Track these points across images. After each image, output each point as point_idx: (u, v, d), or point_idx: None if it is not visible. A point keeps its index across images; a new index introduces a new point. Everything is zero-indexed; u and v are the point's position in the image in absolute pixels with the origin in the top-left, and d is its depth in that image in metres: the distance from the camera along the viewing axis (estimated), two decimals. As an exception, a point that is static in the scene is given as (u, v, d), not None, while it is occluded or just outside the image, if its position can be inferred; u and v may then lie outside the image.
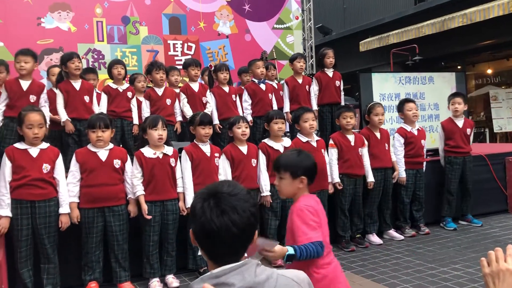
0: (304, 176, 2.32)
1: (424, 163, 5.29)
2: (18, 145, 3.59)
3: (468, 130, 5.39)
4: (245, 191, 1.36)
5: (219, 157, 4.21)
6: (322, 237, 2.23)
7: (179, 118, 5.46)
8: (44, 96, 4.88)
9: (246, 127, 4.30)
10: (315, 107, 5.75)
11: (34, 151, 3.57)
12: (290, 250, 2.12)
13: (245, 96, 5.73)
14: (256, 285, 1.24)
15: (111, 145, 3.86)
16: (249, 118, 5.63)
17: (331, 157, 4.74)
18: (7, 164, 3.50)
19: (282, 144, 4.42)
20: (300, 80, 5.78)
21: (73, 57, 4.95)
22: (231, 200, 1.29)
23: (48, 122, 4.82)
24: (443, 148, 5.39)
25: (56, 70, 5.56)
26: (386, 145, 5.02)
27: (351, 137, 4.78)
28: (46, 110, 4.80)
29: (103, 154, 3.78)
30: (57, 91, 4.99)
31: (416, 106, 5.25)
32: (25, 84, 4.70)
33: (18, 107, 4.34)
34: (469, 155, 5.36)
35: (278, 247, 2.05)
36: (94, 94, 5.17)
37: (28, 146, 3.57)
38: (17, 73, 4.79)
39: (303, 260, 2.15)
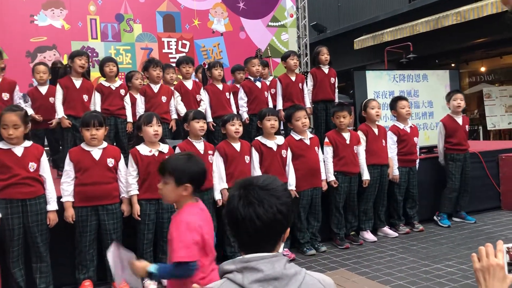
0: (189, 183, 2.19)
1: (417, 160, 5.31)
2: (1, 145, 3.52)
3: (467, 127, 5.45)
4: (281, 188, 1.38)
5: (213, 155, 4.21)
6: (198, 255, 2.11)
7: (174, 116, 5.45)
8: (17, 93, 4.85)
9: (240, 125, 4.30)
10: (308, 104, 5.76)
11: (18, 150, 3.52)
12: (152, 268, 2.07)
13: (241, 93, 5.72)
14: (283, 277, 1.27)
15: (104, 144, 3.85)
16: (245, 116, 5.63)
17: (326, 155, 4.75)
18: None
19: (275, 142, 4.42)
20: (293, 78, 5.78)
21: (83, 54, 5.01)
22: (261, 194, 1.33)
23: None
24: (444, 146, 5.40)
25: (41, 68, 5.59)
26: (384, 141, 5.03)
27: (346, 135, 4.79)
28: (21, 106, 4.76)
29: (96, 153, 3.77)
30: (57, 87, 4.99)
31: (409, 104, 5.26)
32: None
33: None
34: (467, 151, 5.40)
35: (140, 263, 2.02)
36: (93, 94, 5.18)
37: (11, 145, 3.52)
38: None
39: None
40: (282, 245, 1.41)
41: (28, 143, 3.60)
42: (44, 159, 3.65)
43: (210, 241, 2.21)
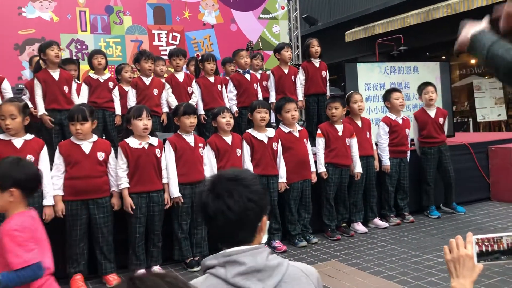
0: (15, 188, 2.07)
1: (408, 152, 5.34)
2: (2, 136, 3.52)
3: (441, 120, 5.41)
4: (250, 177, 1.37)
5: (203, 148, 4.19)
6: (40, 257, 2.06)
7: (165, 109, 5.41)
8: (8, 87, 4.77)
9: (230, 117, 4.28)
10: (300, 97, 5.75)
11: (18, 142, 3.51)
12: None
13: (230, 86, 5.69)
14: (266, 268, 1.27)
15: (95, 137, 3.82)
16: (235, 108, 5.61)
17: (318, 146, 4.76)
18: None
19: (266, 134, 4.41)
20: (286, 70, 5.77)
21: (52, 44, 4.82)
22: (229, 185, 1.32)
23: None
24: (418, 139, 5.44)
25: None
26: (368, 133, 5.06)
27: (339, 127, 4.80)
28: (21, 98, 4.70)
29: (86, 146, 3.74)
30: (35, 81, 4.86)
31: (403, 95, 5.29)
32: None
33: None
34: (443, 143, 5.40)
35: None
36: (74, 85, 5.08)
37: (11, 137, 3.51)
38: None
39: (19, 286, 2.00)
40: (265, 237, 1.41)
41: (29, 136, 3.59)
42: (44, 153, 3.63)
43: (45, 248, 2.15)
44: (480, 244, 1.39)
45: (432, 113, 5.38)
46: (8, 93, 4.82)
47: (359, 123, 5.02)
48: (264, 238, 1.40)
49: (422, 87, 5.42)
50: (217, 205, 1.31)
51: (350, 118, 5.03)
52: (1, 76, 4.91)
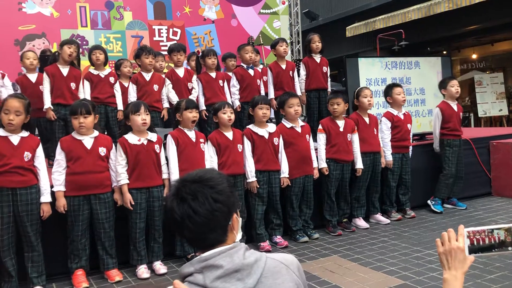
0: None
1: (410, 147, 5.33)
2: None
3: (461, 114, 5.49)
4: (216, 176, 1.33)
5: (204, 143, 4.19)
6: None
7: (166, 104, 5.41)
8: (8, 83, 4.81)
9: (231, 113, 4.27)
10: (299, 92, 5.74)
11: (15, 139, 3.50)
12: None
13: (233, 81, 5.69)
14: (244, 267, 1.24)
15: (96, 133, 3.82)
16: (237, 103, 5.61)
17: (319, 142, 4.75)
18: None
19: (267, 130, 4.41)
20: (283, 66, 5.74)
21: (73, 43, 4.96)
22: (193, 187, 1.29)
23: None
24: (440, 132, 5.40)
25: (30, 54, 5.50)
26: (375, 129, 5.05)
27: (340, 123, 4.79)
28: (3, 94, 4.70)
29: (88, 141, 3.74)
30: (44, 75, 4.93)
31: (404, 90, 5.28)
32: None
33: None
34: (461, 138, 5.45)
35: None
36: (81, 82, 5.12)
37: (8, 133, 3.50)
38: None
39: None
40: (239, 235, 1.38)
41: (25, 133, 3.59)
42: (40, 150, 3.63)
43: None
44: (472, 237, 1.43)
45: (455, 106, 5.41)
46: (9, 90, 4.83)
47: (366, 119, 5.01)
48: (239, 236, 1.37)
49: (448, 80, 5.44)
50: (182, 209, 1.27)
51: (358, 114, 5.01)
52: (2, 73, 4.92)
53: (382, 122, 5.18)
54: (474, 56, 13.39)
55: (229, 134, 4.29)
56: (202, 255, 1.27)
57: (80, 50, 8.32)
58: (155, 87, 5.31)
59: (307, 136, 4.62)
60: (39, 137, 3.97)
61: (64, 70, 4.96)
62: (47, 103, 4.86)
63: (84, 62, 7.45)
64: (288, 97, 4.55)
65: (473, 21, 10.97)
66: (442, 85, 5.48)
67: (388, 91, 5.26)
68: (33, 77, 5.46)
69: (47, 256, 3.67)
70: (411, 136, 5.36)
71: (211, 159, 4.19)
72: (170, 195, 1.32)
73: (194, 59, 6.36)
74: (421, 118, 6.21)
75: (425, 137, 6.12)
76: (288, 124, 4.56)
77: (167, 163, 4.03)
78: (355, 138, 4.86)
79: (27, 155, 3.50)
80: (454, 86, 5.36)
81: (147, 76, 5.32)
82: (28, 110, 3.57)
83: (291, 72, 5.76)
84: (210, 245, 1.29)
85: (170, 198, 1.31)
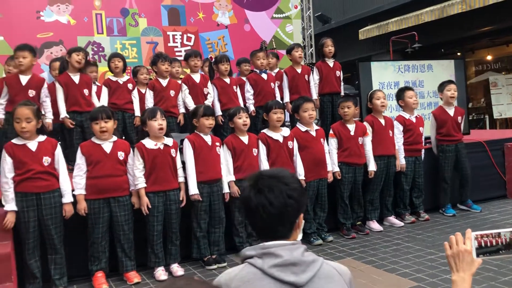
0: None
1: (423, 150, 5.35)
2: (16, 141, 3.62)
3: (459, 118, 5.42)
4: (289, 175, 1.45)
5: (220, 147, 4.27)
6: None
7: (182, 110, 5.51)
8: (44, 91, 4.90)
9: (247, 117, 4.35)
10: (314, 96, 5.80)
11: (32, 145, 3.61)
12: None
13: (247, 86, 5.78)
14: (301, 263, 1.34)
15: (114, 138, 3.93)
16: (252, 108, 5.70)
17: (330, 146, 4.80)
18: (7, 160, 3.55)
19: (281, 134, 4.47)
20: (299, 70, 5.82)
21: (80, 51, 5.02)
22: (270, 182, 1.40)
23: (50, 117, 4.88)
24: (436, 137, 5.44)
25: (57, 64, 5.59)
26: (391, 132, 5.07)
27: (351, 127, 4.83)
28: (47, 104, 4.84)
29: (107, 146, 3.85)
30: (56, 85, 5.01)
31: (416, 94, 5.30)
32: (24, 79, 4.74)
33: (17, 102, 4.40)
34: (461, 141, 5.41)
35: None
36: (94, 87, 5.21)
37: (26, 140, 3.61)
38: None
39: None
40: (300, 235, 1.48)
41: (42, 138, 3.69)
42: (59, 152, 3.73)
43: None
44: (480, 239, 1.47)
45: (451, 111, 5.39)
46: (45, 96, 4.94)
47: (382, 121, 5.04)
48: (300, 236, 1.47)
49: (445, 84, 5.42)
50: (259, 199, 1.38)
51: (373, 116, 5.05)
52: (43, 78, 5.06)
53: (394, 125, 5.21)
54: (489, 57, 13.28)
55: (245, 139, 4.36)
56: (265, 243, 1.37)
57: (97, 56, 8.59)
58: (172, 92, 5.43)
59: (321, 140, 4.68)
60: (58, 141, 4.05)
61: (76, 78, 5.02)
62: (63, 112, 4.93)
63: (101, 68, 7.62)
64: (302, 101, 4.61)
65: (487, 23, 10.90)
66: (440, 89, 5.48)
67: (400, 95, 5.29)
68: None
69: (69, 258, 3.78)
70: (423, 139, 5.37)
71: (226, 163, 4.27)
72: (248, 185, 1.43)
73: (207, 65, 6.46)
74: (435, 121, 6.21)
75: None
76: (303, 128, 4.62)
77: (183, 167, 4.12)
78: (367, 141, 4.90)
79: (46, 159, 3.61)
80: (451, 90, 5.34)
81: (164, 82, 5.43)
82: (39, 115, 3.67)
83: (306, 76, 5.84)
84: (276, 237, 1.39)
85: (248, 188, 1.43)
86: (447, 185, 5.37)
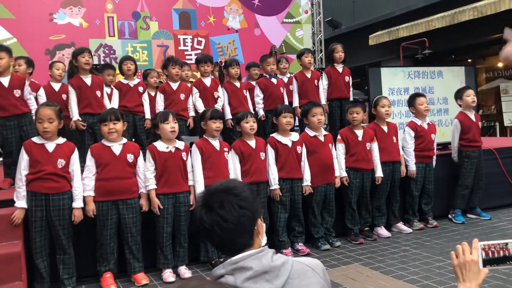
0: None
1: (434, 156, 5.33)
2: (36, 140, 3.68)
3: (480, 124, 5.46)
4: (239, 185, 1.43)
5: (228, 152, 4.29)
6: None
7: (192, 113, 5.55)
8: (27, 88, 4.84)
9: (254, 122, 4.37)
10: (323, 101, 5.81)
11: (50, 146, 3.66)
12: None
13: (257, 90, 5.81)
14: (272, 269, 1.33)
15: (124, 140, 3.96)
16: (261, 112, 5.73)
17: (338, 151, 4.80)
18: (24, 157, 3.61)
19: (290, 139, 4.49)
20: (309, 75, 5.84)
21: (84, 51, 4.97)
22: (219, 196, 1.39)
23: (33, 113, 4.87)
24: (459, 143, 5.39)
25: (61, 65, 5.62)
26: (394, 138, 5.06)
27: (359, 132, 4.84)
28: (31, 102, 4.80)
29: (117, 148, 3.88)
30: (69, 88, 5.04)
31: (427, 100, 5.28)
32: (5, 81, 4.63)
33: (5, 105, 4.47)
34: (481, 148, 5.41)
35: None
36: (105, 89, 5.25)
37: (45, 141, 3.67)
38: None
39: None
40: (264, 240, 1.48)
41: (61, 140, 3.74)
42: (75, 156, 3.77)
43: None
44: (487, 250, 1.48)
45: (472, 116, 5.39)
46: (44, 100, 5.02)
47: (385, 128, 5.04)
48: (264, 240, 1.46)
49: (464, 90, 5.41)
50: (210, 218, 1.37)
51: (376, 124, 5.05)
52: (38, 84, 5.11)
53: (405, 131, 5.20)
54: (499, 64, 13.19)
55: (252, 143, 4.38)
56: (233, 258, 1.36)
57: (108, 59, 8.67)
58: (182, 96, 5.46)
59: (330, 145, 4.69)
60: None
61: (88, 80, 5.01)
62: (75, 115, 4.93)
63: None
64: (311, 106, 4.63)
65: (499, 29, 10.73)
66: (458, 96, 5.45)
67: (411, 101, 5.28)
68: (57, 86, 5.51)
69: (78, 259, 3.81)
70: (435, 146, 5.35)
71: (234, 167, 4.29)
72: (198, 206, 1.43)
73: (217, 69, 6.51)
74: (444, 128, 6.20)
75: (448, 146, 6.10)
76: (311, 133, 4.63)
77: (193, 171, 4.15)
78: (374, 147, 4.89)
79: (60, 162, 3.65)
80: (470, 96, 5.33)
81: (174, 86, 5.48)
82: (61, 116, 3.72)
83: (316, 81, 5.85)
84: (238, 250, 1.38)
85: (199, 208, 1.41)
86: (467, 191, 5.34)
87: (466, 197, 5.37)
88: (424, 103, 5.20)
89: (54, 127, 3.64)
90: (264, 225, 1.48)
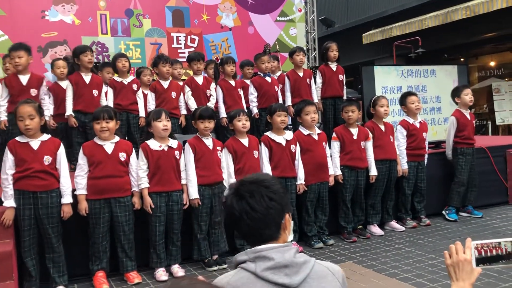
0: None
1: (426, 155, 5.35)
2: (20, 139, 3.63)
3: (474, 122, 5.50)
4: (269, 178, 1.47)
5: (221, 150, 4.28)
6: None
7: (183, 111, 5.53)
8: (43, 89, 4.91)
9: (247, 120, 4.36)
10: (316, 99, 5.81)
11: (35, 144, 3.62)
12: None
13: (251, 89, 5.80)
14: (294, 264, 1.34)
15: (117, 138, 3.93)
16: (255, 110, 5.71)
17: (333, 149, 4.80)
18: (9, 157, 3.57)
19: (284, 137, 4.48)
20: (301, 74, 5.83)
21: (87, 50, 5.03)
22: (251, 187, 1.42)
23: (49, 114, 4.88)
24: (454, 140, 5.42)
25: (61, 63, 5.60)
26: (391, 137, 5.08)
27: (354, 131, 4.84)
28: (46, 102, 4.85)
29: (109, 147, 3.85)
30: (67, 83, 5.04)
31: (418, 99, 5.30)
32: (24, 79, 4.75)
33: (19, 102, 4.42)
34: (474, 146, 5.46)
35: None
36: (104, 88, 5.24)
37: (29, 139, 3.62)
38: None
39: None
40: (290, 236, 1.50)
41: (45, 137, 3.69)
42: (61, 152, 3.73)
43: None
44: (480, 249, 1.48)
45: (468, 115, 5.43)
46: (44, 94, 4.98)
47: (382, 127, 5.05)
48: (290, 237, 1.48)
49: (462, 89, 5.44)
50: (241, 206, 1.40)
51: (374, 122, 5.06)
52: (42, 76, 5.08)
53: (397, 130, 5.22)
54: (492, 64, 13.28)
55: (245, 141, 4.37)
56: (257, 247, 1.38)
57: (100, 57, 8.60)
58: (173, 94, 5.44)
59: (323, 143, 4.69)
60: (61, 140, 4.06)
61: (87, 78, 5.06)
62: (69, 110, 4.97)
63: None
64: (304, 104, 4.62)
65: (491, 29, 10.90)
66: (456, 93, 5.48)
67: (403, 100, 5.30)
68: (63, 84, 5.47)
69: (70, 257, 3.79)
70: (426, 144, 5.37)
71: (227, 166, 4.28)
72: (229, 194, 1.46)
73: (212, 66, 6.48)
74: (437, 126, 6.23)
75: (440, 145, 6.13)
76: (305, 131, 4.63)
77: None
78: (368, 145, 4.90)
79: (47, 158, 3.61)
80: (468, 95, 5.36)
81: (165, 84, 5.45)
82: (41, 112, 3.68)
83: (308, 79, 5.85)
84: (264, 240, 1.40)
85: (230, 196, 1.45)
86: (463, 188, 5.37)
87: (462, 195, 5.39)
88: (415, 101, 5.21)
89: (36, 124, 3.59)
90: (292, 222, 1.50)
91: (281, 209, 1.43)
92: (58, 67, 5.54)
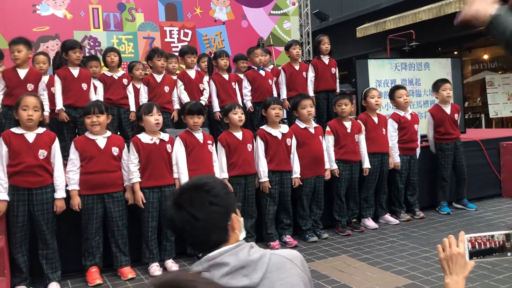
0: None
1: (418, 148, 5.35)
2: (15, 130, 3.59)
3: (456, 116, 5.44)
4: (211, 180, 1.40)
5: (212, 145, 4.25)
6: None
7: (176, 106, 5.49)
8: (42, 84, 4.89)
9: (242, 113, 4.34)
10: (311, 93, 5.79)
11: (30, 136, 3.57)
12: None
13: (245, 82, 5.77)
14: (250, 263, 1.30)
15: (109, 133, 3.90)
16: (249, 104, 5.69)
17: (327, 143, 4.79)
18: (4, 148, 3.51)
19: (279, 131, 4.46)
20: (297, 67, 5.82)
21: (76, 47, 5.01)
22: (190, 194, 1.36)
23: (47, 109, 4.85)
24: (433, 136, 5.44)
25: (40, 58, 5.45)
26: (384, 130, 5.07)
27: (347, 124, 4.83)
28: (44, 98, 4.83)
29: (101, 141, 3.82)
30: (55, 78, 5.01)
31: (407, 92, 5.29)
32: (22, 73, 4.73)
33: (16, 96, 4.34)
34: (458, 139, 5.43)
35: None
36: (92, 83, 5.19)
37: (24, 131, 3.57)
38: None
39: None
40: (242, 233, 1.44)
41: (41, 130, 3.66)
42: (56, 146, 3.70)
43: None
44: (473, 242, 1.48)
45: (447, 109, 5.40)
46: (43, 90, 4.94)
47: (375, 119, 5.04)
48: (242, 235, 1.42)
49: (440, 84, 5.41)
50: (181, 216, 1.35)
51: (367, 114, 5.05)
52: (40, 72, 5.03)
53: (389, 123, 5.21)
54: (485, 57, 13.31)
55: (239, 134, 4.35)
56: (209, 254, 1.33)
57: (93, 51, 8.53)
58: (166, 88, 5.40)
59: (320, 137, 4.68)
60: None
61: (75, 72, 5.05)
62: (59, 104, 4.94)
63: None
64: (301, 98, 4.61)
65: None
66: (435, 88, 5.47)
67: (391, 94, 5.30)
68: (45, 79, 5.44)
69: (63, 253, 3.76)
70: (419, 137, 5.37)
71: (220, 160, 4.25)
72: (169, 206, 1.40)
73: (205, 60, 6.44)
74: (431, 119, 6.22)
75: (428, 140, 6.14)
76: (301, 125, 4.61)
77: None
78: (361, 139, 4.90)
79: (42, 152, 3.58)
80: (446, 90, 5.34)
81: (158, 78, 5.41)
82: (43, 108, 3.70)
83: (304, 73, 5.83)
84: (213, 246, 1.35)
85: (169, 207, 1.39)
86: (446, 183, 5.38)
87: (447, 189, 5.40)
88: (403, 95, 5.20)
89: (38, 117, 3.58)
90: (241, 219, 1.44)
91: (225, 211, 1.38)
92: (38, 62, 5.40)
